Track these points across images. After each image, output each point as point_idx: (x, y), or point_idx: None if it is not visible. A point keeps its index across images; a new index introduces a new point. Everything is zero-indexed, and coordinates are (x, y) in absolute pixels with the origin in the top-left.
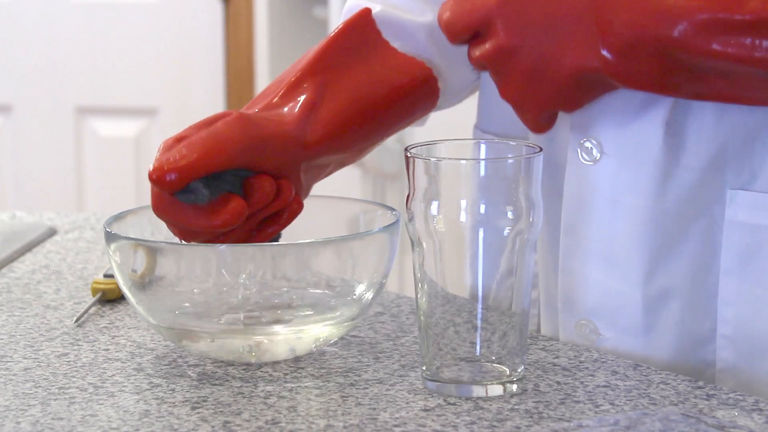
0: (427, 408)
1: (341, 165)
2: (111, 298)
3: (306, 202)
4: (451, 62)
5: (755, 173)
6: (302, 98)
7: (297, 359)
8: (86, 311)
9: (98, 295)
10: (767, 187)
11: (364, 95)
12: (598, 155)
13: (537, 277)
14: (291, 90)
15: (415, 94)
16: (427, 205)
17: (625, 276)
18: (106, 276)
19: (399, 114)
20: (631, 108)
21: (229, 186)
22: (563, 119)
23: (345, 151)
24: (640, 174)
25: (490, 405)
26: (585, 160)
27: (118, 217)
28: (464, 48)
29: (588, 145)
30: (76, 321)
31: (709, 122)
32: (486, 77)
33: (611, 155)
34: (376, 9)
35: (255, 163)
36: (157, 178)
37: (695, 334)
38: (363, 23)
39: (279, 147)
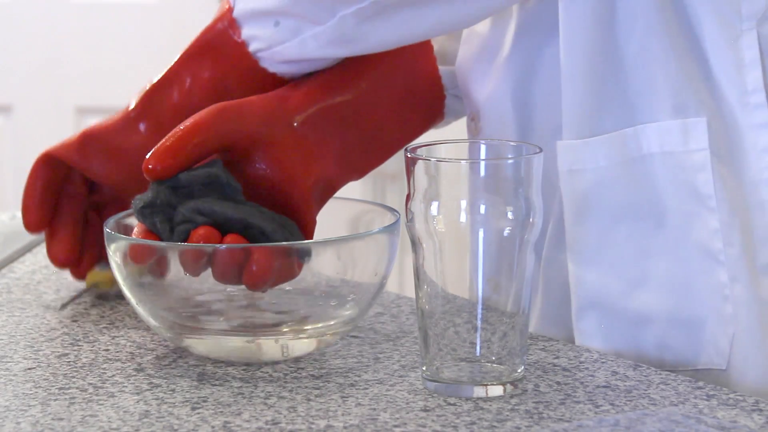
0: (427, 408)
1: (350, 157)
2: (104, 289)
3: None
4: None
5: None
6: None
7: (297, 359)
8: (73, 300)
9: (90, 285)
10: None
11: (344, 62)
12: (478, 129)
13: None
14: None
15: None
16: (427, 206)
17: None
18: (100, 267)
19: (389, 66)
20: (487, 84)
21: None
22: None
23: (336, 95)
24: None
25: (490, 405)
26: (474, 133)
27: (118, 217)
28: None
29: (473, 117)
30: (62, 308)
31: (545, 88)
32: None
33: (484, 127)
34: None
35: (237, 132)
36: (145, 170)
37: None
38: None
39: (259, 105)
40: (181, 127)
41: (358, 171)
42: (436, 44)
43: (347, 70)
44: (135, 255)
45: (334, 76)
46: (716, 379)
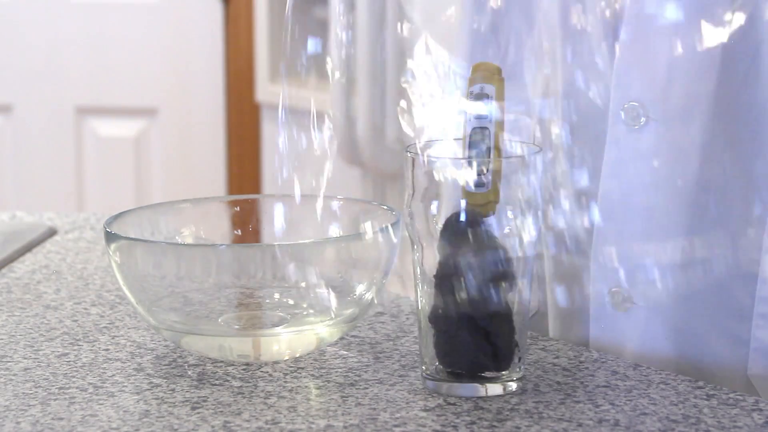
0: (427, 408)
1: None
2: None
3: (305, 201)
4: None
5: None
6: None
7: (297, 359)
8: None
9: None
10: None
11: None
12: (644, 120)
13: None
14: None
15: None
16: (427, 205)
17: (663, 245)
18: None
19: None
20: (678, 73)
21: None
22: (602, 78)
23: None
24: (686, 142)
25: (490, 405)
26: (629, 124)
27: (118, 217)
28: None
29: (632, 108)
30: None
31: (762, 92)
32: None
33: (658, 120)
34: None
35: None
36: None
37: (732, 309)
38: None
39: None
40: None
41: None
42: None
43: None
44: None
45: None
46: None
